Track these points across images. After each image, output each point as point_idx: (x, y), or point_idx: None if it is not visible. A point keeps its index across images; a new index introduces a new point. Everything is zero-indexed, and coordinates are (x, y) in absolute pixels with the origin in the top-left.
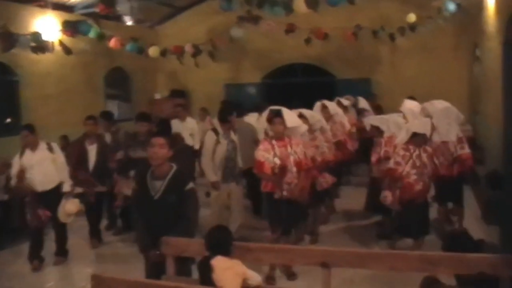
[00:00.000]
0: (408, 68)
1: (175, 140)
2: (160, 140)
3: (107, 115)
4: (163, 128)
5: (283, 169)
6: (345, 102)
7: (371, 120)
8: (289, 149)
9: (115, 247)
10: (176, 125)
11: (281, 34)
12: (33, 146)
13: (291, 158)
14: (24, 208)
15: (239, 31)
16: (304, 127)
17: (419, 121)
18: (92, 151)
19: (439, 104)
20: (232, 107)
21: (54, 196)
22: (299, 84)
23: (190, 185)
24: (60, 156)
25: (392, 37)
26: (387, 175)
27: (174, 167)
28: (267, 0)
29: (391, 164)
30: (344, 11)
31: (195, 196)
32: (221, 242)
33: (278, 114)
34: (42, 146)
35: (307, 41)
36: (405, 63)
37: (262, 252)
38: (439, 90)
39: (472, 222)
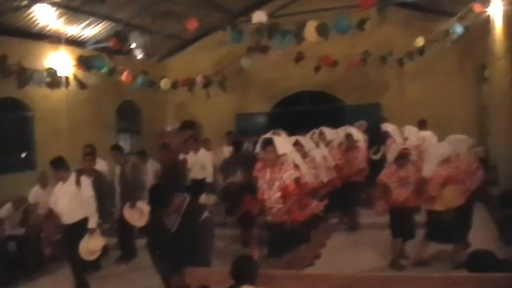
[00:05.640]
0: (416, 91)
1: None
2: None
3: (117, 148)
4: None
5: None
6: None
7: None
8: (277, 175)
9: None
10: (190, 158)
11: (288, 63)
12: (64, 179)
13: (276, 184)
14: (41, 243)
15: (249, 61)
16: (294, 155)
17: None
18: None
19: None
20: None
21: (76, 230)
22: (309, 112)
23: (205, 214)
24: (86, 191)
25: (401, 62)
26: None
27: (187, 198)
28: (277, 30)
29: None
30: (350, 37)
31: (211, 225)
32: (246, 271)
33: (270, 142)
34: (71, 179)
35: (317, 69)
36: (412, 86)
37: (286, 280)
38: (447, 111)
39: (491, 243)
